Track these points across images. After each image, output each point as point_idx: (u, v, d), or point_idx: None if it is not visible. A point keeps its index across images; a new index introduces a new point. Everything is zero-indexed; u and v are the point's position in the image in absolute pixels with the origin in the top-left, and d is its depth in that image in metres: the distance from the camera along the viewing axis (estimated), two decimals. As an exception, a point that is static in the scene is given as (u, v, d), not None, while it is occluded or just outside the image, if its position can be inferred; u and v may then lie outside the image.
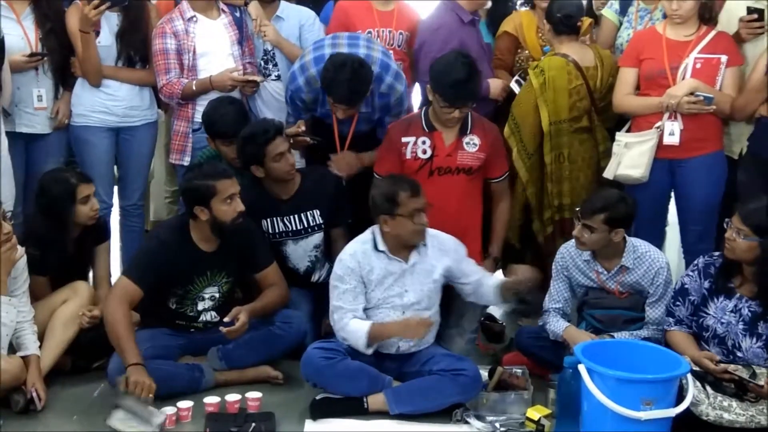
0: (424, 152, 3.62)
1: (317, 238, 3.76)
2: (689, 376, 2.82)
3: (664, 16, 3.79)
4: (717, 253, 3.12)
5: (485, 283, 3.30)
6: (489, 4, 4.15)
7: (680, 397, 2.80)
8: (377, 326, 3.14)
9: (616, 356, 2.93)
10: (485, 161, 3.66)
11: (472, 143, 3.63)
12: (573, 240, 3.37)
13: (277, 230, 3.71)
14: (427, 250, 3.25)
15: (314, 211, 3.70)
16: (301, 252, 3.76)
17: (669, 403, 2.77)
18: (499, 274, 3.26)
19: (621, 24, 3.98)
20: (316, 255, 3.79)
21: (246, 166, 3.61)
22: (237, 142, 3.63)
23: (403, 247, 3.22)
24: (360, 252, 3.21)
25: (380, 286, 3.20)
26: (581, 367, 2.82)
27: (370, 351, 3.16)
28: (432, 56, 3.80)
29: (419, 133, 3.62)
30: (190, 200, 3.29)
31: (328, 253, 3.78)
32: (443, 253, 3.26)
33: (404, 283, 3.22)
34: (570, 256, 3.37)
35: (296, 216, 3.70)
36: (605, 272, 3.31)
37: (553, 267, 3.42)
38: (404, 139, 3.63)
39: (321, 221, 3.72)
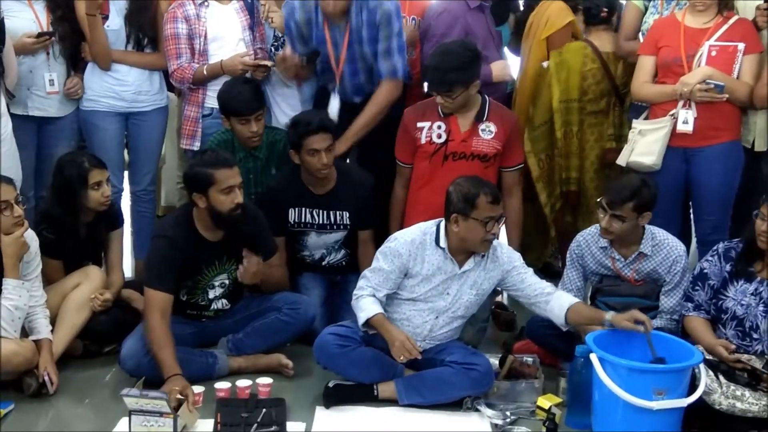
0: (439, 137, 3.62)
1: (340, 235, 3.77)
2: (702, 366, 2.81)
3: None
4: (736, 239, 3.11)
5: (554, 304, 3.10)
6: None
7: (693, 387, 2.79)
8: (381, 319, 3.09)
9: (627, 346, 2.93)
10: (501, 150, 3.65)
11: (487, 130, 3.62)
12: (589, 229, 3.38)
13: (303, 220, 3.71)
14: (482, 261, 3.15)
15: (344, 212, 3.70)
16: (321, 243, 3.79)
17: (681, 393, 2.76)
18: (565, 298, 3.14)
19: (647, 9, 3.95)
20: (334, 247, 3.81)
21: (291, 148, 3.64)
22: (288, 123, 3.67)
23: (464, 251, 3.13)
24: (418, 242, 3.13)
25: (427, 282, 3.15)
26: (593, 357, 2.82)
27: (362, 327, 3.14)
28: (435, 41, 3.81)
29: (435, 117, 3.63)
30: (189, 186, 3.28)
31: (349, 246, 3.79)
32: (495, 265, 3.18)
33: (449, 286, 3.16)
34: (586, 244, 3.36)
35: (325, 212, 3.70)
36: (622, 259, 3.30)
37: (568, 255, 3.42)
38: (419, 124, 3.64)
39: (348, 222, 3.72)
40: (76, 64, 3.92)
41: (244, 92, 3.70)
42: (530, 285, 3.16)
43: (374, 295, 3.14)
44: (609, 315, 3.01)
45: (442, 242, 3.12)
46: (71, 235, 3.46)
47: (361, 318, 3.11)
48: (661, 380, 2.74)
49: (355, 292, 3.19)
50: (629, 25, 4.00)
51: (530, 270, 3.21)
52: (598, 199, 3.28)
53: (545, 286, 3.16)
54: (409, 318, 3.19)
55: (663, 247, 3.26)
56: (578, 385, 2.98)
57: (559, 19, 4.08)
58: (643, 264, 3.29)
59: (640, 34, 3.98)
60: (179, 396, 2.89)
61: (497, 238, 3.17)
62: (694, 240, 3.93)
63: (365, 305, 3.12)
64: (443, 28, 3.88)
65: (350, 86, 3.85)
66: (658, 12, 3.87)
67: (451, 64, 3.46)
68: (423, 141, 3.64)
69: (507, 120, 3.67)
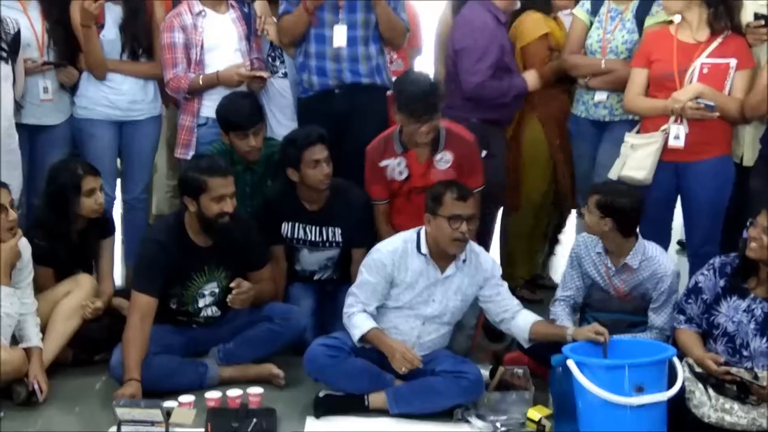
0: (401, 173, 3.65)
1: (333, 252, 3.76)
2: (676, 360, 2.86)
3: (636, 17, 3.81)
4: (733, 254, 3.12)
5: (519, 321, 3.20)
6: (518, 4, 4.09)
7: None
8: (376, 334, 3.13)
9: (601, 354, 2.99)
10: (457, 176, 3.63)
11: (443, 160, 3.63)
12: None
13: (295, 236, 3.72)
14: (465, 266, 3.20)
15: (336, 228, 3.69)
16: (314, 260, 3.78)
17: (661, 388, 2.80)
18: (531, 315, 3.23)
19: (592, 24, 3.96)
20: (327, 264, 3.80)
21: (283, 168, 3.63)
22: (281, 143, 3.68)
23: (443, 255, 3.17)
24: (400, 250, 3.17)
25: (411, 290, 3.18)
26: (570, 362, 2.84)
27: (358, 344, 3.16)
28: (475, 58, 3.79)
29: (394, 154, 3.64)
30: (182, 189, 3.30)
31: (342, 264, 3.78)
32: (478, 271, 3.22)
33: (433, 293, 3.19)
34: (585, 247, 3.41)
35: (317, 228, 3.70)
36: (613, 268, 3.34)
37: (569, 255, 3.48)
38: (383, 163, 3.66)
39: (341, 240, 3.71)
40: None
41: (243, 107, 3.70)
42: (503, 299, 3.24)
43: (365, 311, 3.16)
44: (570, 329, 3.09)
45: (423, 248, 3.16)
46: (63, 243, 3.46)
47: (356, 335, 3.14)
48: (639, 374, 2.78)
49: (345, 310, 3.20)
50: (574, 39, 4.00)
51: (506, 284, 3.28)
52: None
53: (515, 303, 3.25)
54: (396, 326, 3.22)
55: (652, 264, 3.28)
56: (561, 395, 3.01)
57: (533, 31, 4.09)
58: (630, 277, 3.32)
59: (585, 48, 3.97)
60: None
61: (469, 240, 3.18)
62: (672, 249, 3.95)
63: (358, 322, 3.14)
64: (481, 49, 3.81)
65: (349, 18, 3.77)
66: (603, 27, 3.88)
67: (433, 85, 3.50)
68: (389, 179, 3.66)
69: (463, 146, 3.65)
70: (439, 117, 3.53)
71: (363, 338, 3.13)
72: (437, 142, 3.61)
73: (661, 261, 3.30)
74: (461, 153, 3.63)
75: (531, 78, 3.97)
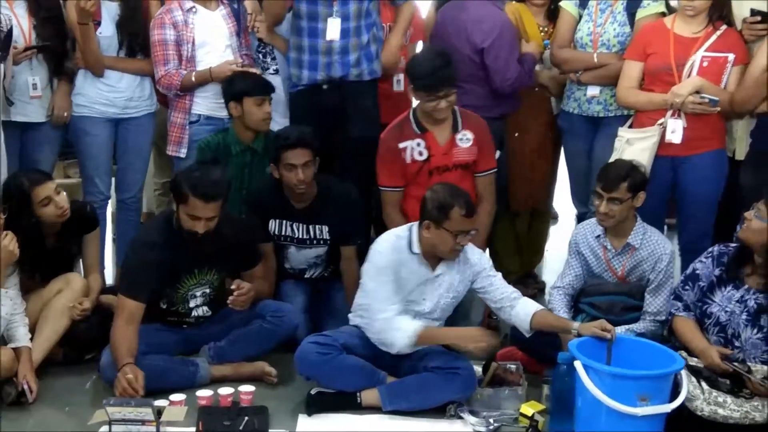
0: (420, 154, 3.63)
1: (320, 250, 3.75)
2: (684, 372, 2.82)
3: (627, 10, 3.78)
4: (733, 244, 3.10)
5: (519, 309, 3.17)
6: None
7: (675, 393, 2.79)
8: (431, 329, 3.12)
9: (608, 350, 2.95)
10: (478, 155, 3.67)
11: (465, 138, 3.65)
12: (589, 219, 3.46)
13: (283, 233, 3.71)
14: (454, 264, 3.20)
15: (323, 226, 3.68)
16: (302, 258, 3.77)
17: (664, 399, 2.77)
18: (532, 304, 3.21)
19: (581, 17, 3.92)
20: (316, 261, 3.80)
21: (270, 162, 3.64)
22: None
23: (434, 256, 3.17)
24: (397, 246, 3.16)
25: (403, 288, 3.17)
26: (577, 363, 2.82)
27: (408, 350, 3.11)
28: (506, 55, 3.79)
29: (412, 135, 3.63)
30: (170, 187, 3.30)
31: (331, 261, 3.77)
32: (468, 266, 3.22)
33: (424, 291, 3.19)
34: (583, 234, 3.45)
35: (304, 226, 3.69)
36: (613, 250, 3.37)
37: (569, 246, 3.50)
38: (401, 145, 3.63)
39: (328, 237, 3.70)
40: (59, 69, 3.86)
41: (250, 76, 3.75)
42: (497, 288, 3.22)
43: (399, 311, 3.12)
44: (576, 324, 3.06)
45: (415, 248, 3.15)
46: (39, 251, 3.38)
47: (405, 339, 3.06)
48: (645, 386, 2.75)
49: (377, 317, 3.10)
50: (563, 33, 3.94)
51: (499, 274, 3.27)
52: (595, 189, 3.33)
53: (511, 291, 3.23)
54: None
55: (651, 242, 3.33)
56: (561, 392, 2.98)
57: None
58: (631, 257, 3.36)
59: (575, 42, 3.93)
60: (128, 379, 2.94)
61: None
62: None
63: (402, 324, 3.08)
64: (508, 45, 3.82)
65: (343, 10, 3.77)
66: (593, 20, 3.85)
67: (448, 58, 3.51)
68: (408, 161, 3.64)
69: (480, 125, 3.68)
70: (455, 92, 3.52)
71: (416, 340, 3.07)
72: (456, 122, 3.63)
73: (660, 241, 3.34)
74: (480, 132, 3.67)
75: (533, 48, 3.93)
